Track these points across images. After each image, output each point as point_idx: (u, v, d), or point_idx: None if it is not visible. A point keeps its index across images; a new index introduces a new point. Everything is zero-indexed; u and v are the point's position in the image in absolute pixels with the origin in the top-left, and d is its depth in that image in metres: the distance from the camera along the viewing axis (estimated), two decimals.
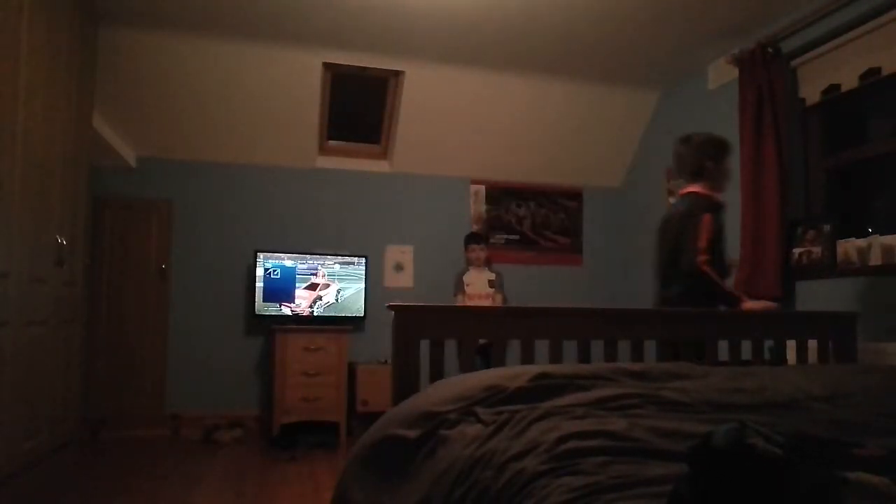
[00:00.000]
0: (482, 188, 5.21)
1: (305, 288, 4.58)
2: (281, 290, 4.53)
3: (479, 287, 4.55)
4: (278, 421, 4.21)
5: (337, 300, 4.65)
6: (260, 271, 4.48)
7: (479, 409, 1.38)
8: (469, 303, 4.45)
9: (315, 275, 4.61)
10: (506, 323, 2.08)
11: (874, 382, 1.77)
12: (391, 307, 1.91)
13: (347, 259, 4.69)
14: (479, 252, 4.57)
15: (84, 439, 4.00)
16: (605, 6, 3.49)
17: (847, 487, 0.80)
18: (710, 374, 1.77)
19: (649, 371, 1.72)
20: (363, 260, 4.73)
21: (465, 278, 4.57)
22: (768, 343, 2.54)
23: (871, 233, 3.10)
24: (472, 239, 4.66)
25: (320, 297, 4.61)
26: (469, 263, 4.61)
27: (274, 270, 4.52)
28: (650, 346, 2.22)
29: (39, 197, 2.80)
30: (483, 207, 5.21)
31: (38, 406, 2.85)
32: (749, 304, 2.53)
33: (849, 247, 3.17)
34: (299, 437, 4.15)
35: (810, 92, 3.53)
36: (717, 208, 2.64)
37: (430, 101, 4.52)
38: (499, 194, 5.24)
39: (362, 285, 4.70)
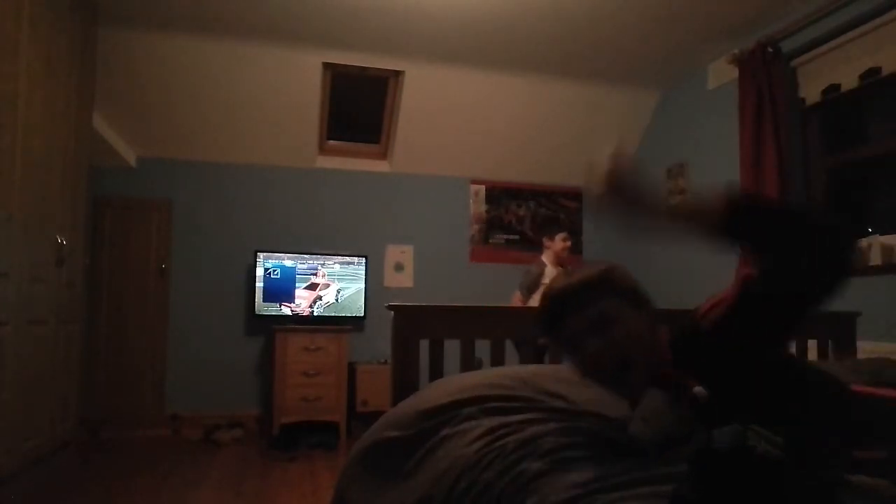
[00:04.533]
0: (482, 188, 5.21)
1: (305, 288, 4.58)
2: (281, 290, 4.53)
3: None
4: (278, 421, 4.21)
5: (337, 300, 4.64)
6: (260, 271, 4.48)
7: (479, 409, 1.38)
8: None
9: (315, 275, 4.61)
10: (505, 323, 2.07)
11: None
12: (391, 307, 1.91)
13: (347, 259, 4.69)
14: (567, 244, 3.89)
15: (84, 439, 4.00)
16: (605, 6, 3.49)
17: (848, 490, 0.80)
18: None
19: None
20: (363, 260, 4.73)
21: (547, 278, 3.81)
22: None
23: (871, 233, 3.09)
24: (558, 229, 3.94)
25: (320, 297, 4.61)
26: (555, 260, 3.88)
27: (274, 270, 4.52)
28: None
29: (39, 197, 2.80)
30: (483, 207, 5.21)
31: (38, 406, 2.85)
32: None
33: None
34: (299, 437, 4.15)
35: (810, 92, 3.53)
36: None
37: (430, 101, 4.51)
38: (499, 194, 5.24)
39: (362, 285, 4.70)
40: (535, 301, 3.64)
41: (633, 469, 1.00)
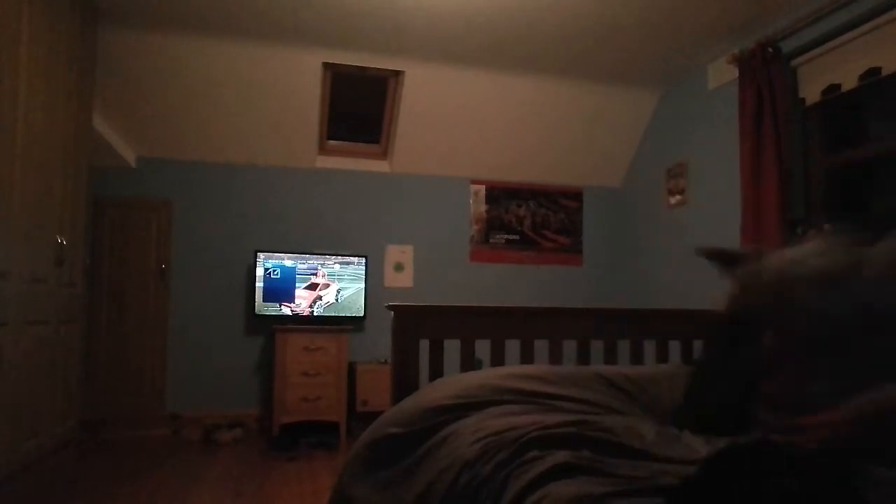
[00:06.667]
0: (482, 188, 5.21)
1: (305, 288, 4.58)
2: (281, 290, 4.53)
3: None
4: (278, 421, 4.21)
5: (337, 300, 4.64)
6: (260, 271, 4.48)
7: (481, 411, 1.38)
8: None
9: (315, 275, 4.61)
10: (505, 323, 2.08)
11: None
12: (391, 307, 1.91)
13: (347, 259, 4.69)
14: None
15: (84, 439, 4.00)
16: (605, 6, 3.49)
17: (869, 483, 0.80)
18: None
19: (638, 376, 1.72)
20: (363, 260, 4.73)
21: None
22: None
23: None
24: None
25: (320, 297, 4.61)
26: None
27: (274, 270, 4.52)
28: (649, 346, 2.21)
29: (39, 197, 2.80)
30: (483, 207, 5.21)
31: (38, 406, 2.85)
32: None
33: None
34: (299, 437, 4.15)
35: (810, 92, 3.53)
36: None
37: (430, 101, 4.52)
38: (499, 194, 5.24)
39: (362, 285, 4.70)
40: None
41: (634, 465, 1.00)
